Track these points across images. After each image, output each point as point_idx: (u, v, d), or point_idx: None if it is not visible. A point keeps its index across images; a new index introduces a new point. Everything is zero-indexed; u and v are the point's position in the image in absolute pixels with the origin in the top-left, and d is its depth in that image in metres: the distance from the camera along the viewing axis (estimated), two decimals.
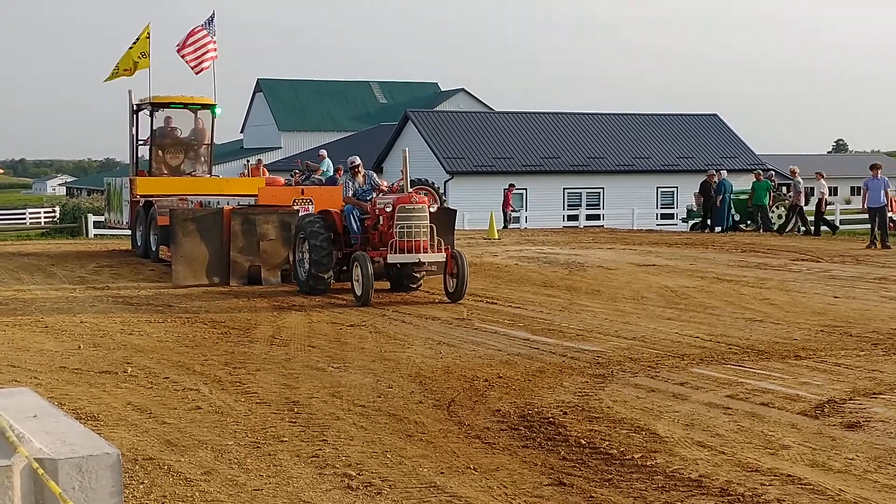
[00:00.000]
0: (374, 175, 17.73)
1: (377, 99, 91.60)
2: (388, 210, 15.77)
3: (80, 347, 12.13)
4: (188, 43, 24.88)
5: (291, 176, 27.83)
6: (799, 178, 32.70)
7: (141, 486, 6.73)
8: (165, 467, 7.18)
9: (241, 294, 17.12)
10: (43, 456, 4.43)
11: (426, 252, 15.61)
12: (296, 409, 8.90)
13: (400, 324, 13.95)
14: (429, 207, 16.04)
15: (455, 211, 21.19)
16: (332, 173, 27.94)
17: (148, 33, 24.71)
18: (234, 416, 8.72)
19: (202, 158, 25.23)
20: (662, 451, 7.51)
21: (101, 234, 36.35)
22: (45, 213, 58.98)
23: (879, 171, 27.17)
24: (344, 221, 16.80)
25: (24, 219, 59.60)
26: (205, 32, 25.04)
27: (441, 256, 15.80)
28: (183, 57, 24.93)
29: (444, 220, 18.19)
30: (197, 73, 25.22)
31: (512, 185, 43.11)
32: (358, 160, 17.62)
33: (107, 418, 8.64)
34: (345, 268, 16.56)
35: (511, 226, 40.49)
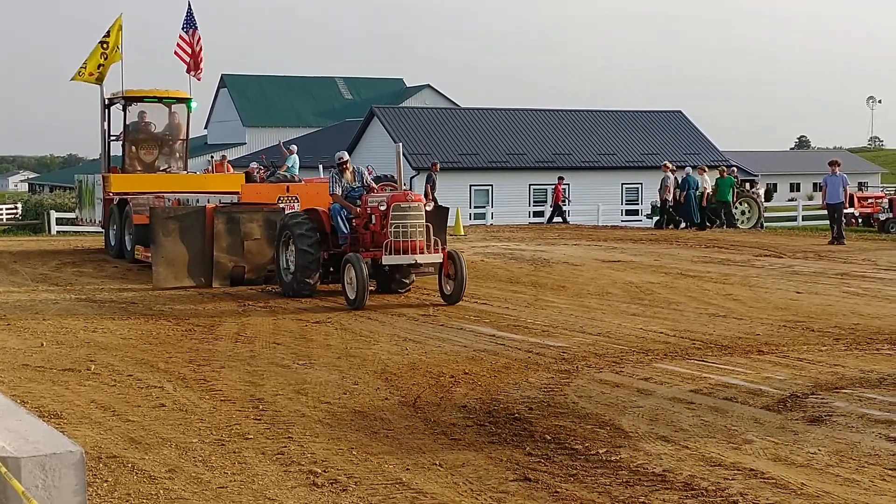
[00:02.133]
0: (365, 171, 16.92)
1: (342, 95, 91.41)
2: (382, 209, 15.04)
3: (42, 345, 12.03)
4: (182, 47, 24.21)
5: (256, 173, 27.34)
6: (669, 174, 33.21)
7: (105, 485, 6.69)
8: (129, 465, 7.14)
9: (206, 292, 17.03)
10: (6, 454, 4.40)
11: (422, 253, 14.91)
12: (261, 407, 8.87)
13: (366, 320, 13.92)
14: (425, 206, 15.43)
15: (447, 209, 20.58)
16: (297, 170, 27.80)
17: (120, 25, 23.89)
18: (199, 413, 8.68)
19: (177, 154, 24.30)
20: (627, 445, 7.54)
21: (63, 231, 36.16)
22: (6, 209, 58.25)
23: (838, 168, 27.42)
24: (332, 221, 16.02)
25: None
26: (193, 32, 24.33)
27: (438, 257, 15.07)
28: (180, 58, 24.23)
29: (437, 218, 17.39)
30: (199, 79, 24.73)
31: (561, 178, 42.69)
32: (346, 156, 16.75)
33: (70, 416, 8.58)
34: (331, 269, 15.95)
35: (556, 220, 40.18)
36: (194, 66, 24.28)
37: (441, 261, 15.08)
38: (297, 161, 28.51)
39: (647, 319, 13.79)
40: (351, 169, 16.45)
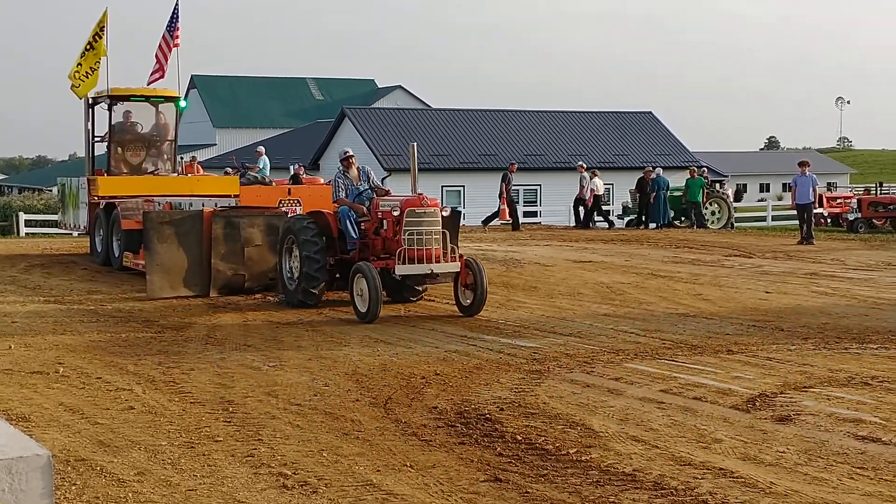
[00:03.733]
0: (371, 171, 15.65)
1: (314, 96, 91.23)
2: (396, 214, 13.88)
3: (10, 347, 11.93)
4: (162, 47, 23.20)
5: (225, 173, 27.06)
6: (585, 174, 33.77)
7: (73, 488, 6.65)
8: (98, 468, 7.10)
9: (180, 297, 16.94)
10: None
11: (439, 262, 13.77)
12: (230, 409, 8.84)
13: (336, 322, 13.91)
14: (441, 211, 14.28)
15: (460, 213, 19.97)
16: (268, 171, 27.66)
17: (105, 22, 22.28)
18: (168, 416, 8.64)
19: (165, 156, 23.03)
20: (597, 445, 7.56)
21: (32, 233, 35.92)
22: None
23: (807, 168, 27.66)
24: (339, 225, 14.75)
25: None
26: (164, 37, 23.28)
27: (455, 266, 13.90)
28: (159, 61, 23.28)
29: (449, 224, 15.42)
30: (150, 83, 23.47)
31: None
32: (351, 151, 15.52)
33: (38, 419, 8.52)
34: (337, 275, 15.00)
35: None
36: (160, 71, 23.37)
37: (458, 270, 13.98)
38: (268, 162, 28.37)
39: (618, 319, 13.84)
40: (356, 167, 15.38)
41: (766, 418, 8.36)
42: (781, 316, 14.07)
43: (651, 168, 35.41)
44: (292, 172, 28.00)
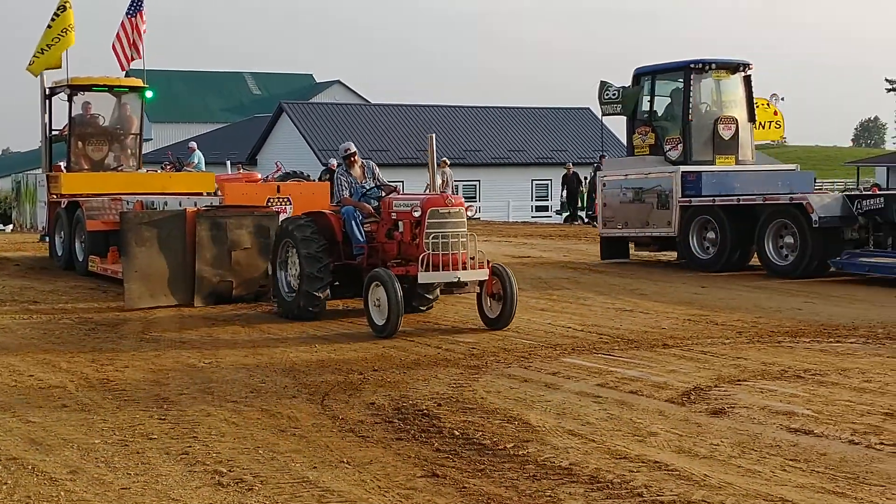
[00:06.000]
0: (376, 167, 14.47)
1: (251, 90, 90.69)
2: (417, 214, 12.50)
3: None
4: (119, 36, 21.96)
5: (161, 169, 26.67)
6: (446, 169, 34.23)
7: (4, 487, 6.55)
8: (30, 467, 7.00)
9: (111, 290, 16.76)
10: None
11: (465, 269, 12.43)
12: (165, 406, 8.76)
13: (273, 317, 13.85)
14: (467, 211, 13.08)
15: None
16: (203, 167, 27.37)
17: (67, 3, 20.99)
18: (102, 413, 8.53)
19: (129, 150, 21.50)
20: (534, 440, 7.58)
21: None
22: None
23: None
24: (344, 228, 13.42)
25: None
26: (130, 19, 21.98)
27: (483, 274, 12.56)
28: (114, 50, 22.00)
29: None
30: (122, 69, 22.33)
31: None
32: (353, 147, 14.26)
33: None
34: (336, 283, 13.61)
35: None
36: (130, 53, 21.95)
37: (486, 278, 12.64)
38: (202, 157, 28.00)
39: (556, 314, 13.92)
40: (360, 163, 14.16)
41: (700, 411, 8.43)
42: (716, 310, 14.22)
43: (571, 164, 35.49)
44: (279, 171, 27.80)
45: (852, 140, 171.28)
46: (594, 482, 6.58)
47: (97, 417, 8.40)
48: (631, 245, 21.75)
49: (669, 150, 20.42)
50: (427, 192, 13.06)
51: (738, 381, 9.60)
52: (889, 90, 55.42)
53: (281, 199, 16.95)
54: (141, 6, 22.19)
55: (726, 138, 20.40)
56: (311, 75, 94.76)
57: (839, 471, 6.79)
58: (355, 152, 14.07)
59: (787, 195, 18.53)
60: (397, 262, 12.80)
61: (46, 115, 21.05)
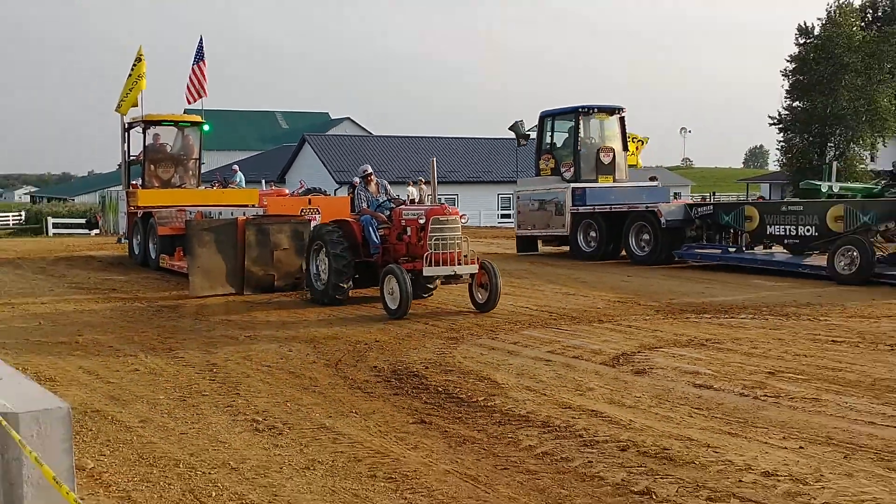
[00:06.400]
0: (388, 185, 14.26)
1: (280, 125, 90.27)
2: (422, 222, 12.54)
3: (40, 323, 11.69)
4: (190, 78, 22.18)
5: (211, 186, 26.58)
6: (423, 186, 34.53)
7: (90, 433, 6.54)
8: (110, 417, 6.99)
9: (173, 281, 16.71)
10: (6, 411, 4.29)
11: (460, 264, 12.42)
12: (214, 370, 8.75)
13: (300, 302, 13.82)
14: (461, 219, 13.00)
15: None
16: (244, 184, 27.29)
17: (141, 55, 21.02)
18: (165, 375, 8.52)
19: (190, 172, 21.29)
20: (500, 394, 7.60)
21: (58, 233, 35.23)
22: (13, 216, 56.65)
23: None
24: (363, 232, 13.35)
25: None
26: (198, 64, 22.15)
27: (474, 268, 12.51)
28: (187, 89, 22.21)
29: None
30: (189, 103, 22.60)
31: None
32: (370, 168, 13.98)
33: (62, 380, 8.36)
34: (357, 275, 13.38)
35: None
36: (199, 91, 22.13)
37: (476, 271, 12.59)
38: (243, 177, 27.98)
39: (516, 298, 13.91)
40: (375, 181, 13.92)
41: (626, 371, 8.47)
42: (638, 294, 14.26)
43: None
44: (302, 188, 27.79)
45: (743, 162, 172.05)
46: (545, 426, 6.61)
47: (161, 378, 8.39)
48: (539, 242, 22.65)
49: (565, 171, 21.47)
50: (429, 203, 13.01)
51: (656, 348, 9.65)
52: (771, 124, 55.63)
53: (311, 210, 16.90)
54: (202, 55, 22.19)
55: (606, 163, 21.46)
56: (328, 113, 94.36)
57: (732, 416, 6.83)
58: (371, 173, 13.90)
59: (644, 204, 19.58)
60: (406, 259, 12.75)
61: (125, 144, 20.91)
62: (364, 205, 13.58)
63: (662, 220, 18.50)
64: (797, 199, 22.20)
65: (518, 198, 22.67)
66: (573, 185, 20.88)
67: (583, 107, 21.38)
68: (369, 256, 13.31)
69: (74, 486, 4.45)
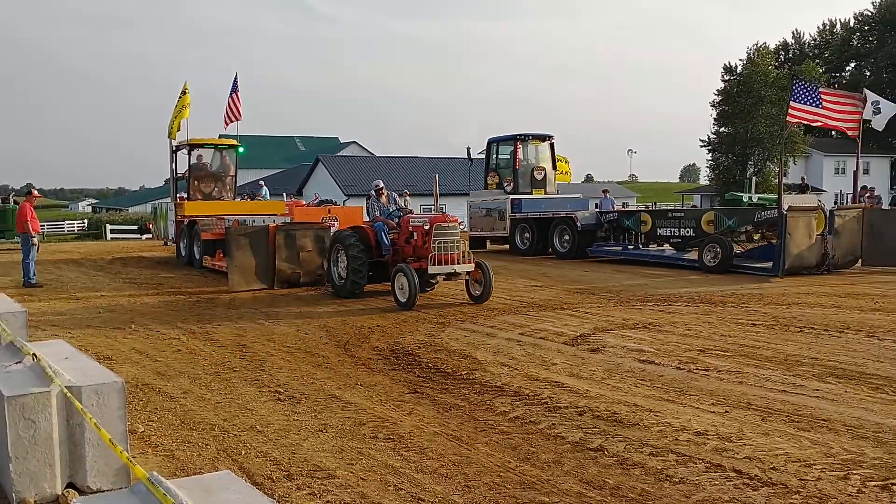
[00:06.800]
0: (397, 196, 14.11)
1: (299, 147, 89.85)
2: (426, 228, 12.35)
3: (100, 312, 11.61)
4: (229, 106, 21.84)
5: (242, 198, 26.44)
6: (407, 197, 34.09)
7: (140, 402, 6.50)
8: (157, 389, 6.95)
9: (211, 277, 16.62)
10: (71, 384, 4.28)
11: (460, 263, 12.17)
12: (244, 350, 8.71)
13: (316, 295, 13.77)
14: (459, 224, 12.63)
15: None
16: (268, 197, 27.16)
17: (186, 90, 20.85)
18: (203, 355, 8.48)
19: (228, 186, 20.91)
20: (479, 369, 7.60)
21: (114, 237, 35.10)
22: (77, 223, 56.64)
23: (608, 194, 28.12)
24: (376, 236, 13.15)
25: (63, 227, 57.17)
26: (234, 95, 21.81)
27: (471, 266, 12.27)
28: (225, 113, 21.84)
29: None
30: (226, 126, 22.24)
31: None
32: (381, 183, 13.78)
33: (117, 358, 8.31)
34: (370, 273, 13.12)
35: None
36: (236, 116, 21.79)
37: (472, 269, 12.35)
38: (267, 191, 27.87)
39: (494, 290, 13.83)
40: (385, 194, 13.76)
41: (584, 349, 8.48)
42: (594, 286, 14.29)
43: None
44: (316, 199, 27.72)
45: (679, 177, 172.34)
46: (517, 395, 6.61)
47: (200, 357, 8.35)
48: (487, 241, 23.59)
49: (506, 186, 22.38)
50: (433, 212, 13.25)
51: (608, 330, 9.67)
52: (702, 146, 55.89)
53: (331, 218, 16.88)
54: (237, 87, 22.16)
55: (539, 179, 22.40)
56: (337, 137, 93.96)
57: (670, 386, 6.85)
58: (383, 187, 13.75)
59: (565, 212, 20.53)
60: (413, 259, 12.58)
61: (173, 164, 20.84)
62: (377, 213, 13.42)
63: (578, 224, 19.70)
64: (680, 208, 24.19)
65: (470, 206, 23.82)
66: (512, 196, 21.82)
67: (521, 134, 22.38)
68: (381, 257, 13.14)
69: (128, 447, 4.43)
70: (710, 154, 54.86)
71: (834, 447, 5.20)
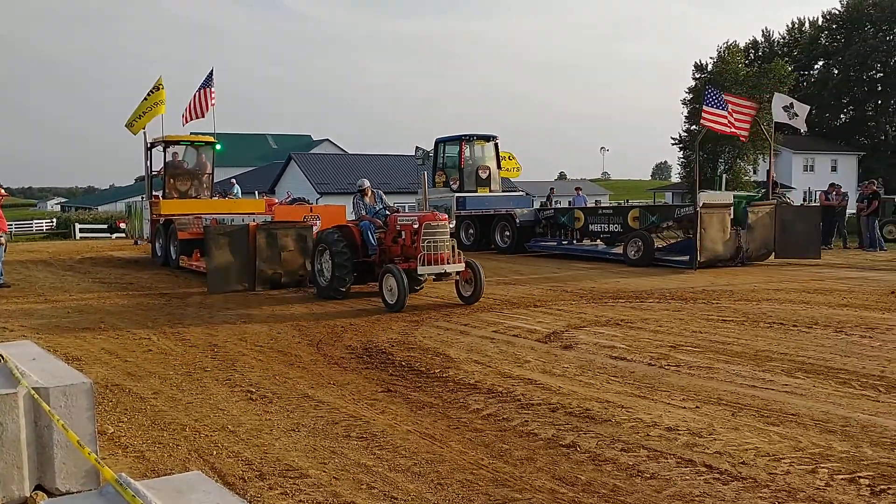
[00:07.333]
0: (383, 195, 13.64)
1: (271, 145, 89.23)
2: (415, 227, 12.03)
3: (69, 313, 11.44)
4: (197, 100, 20.85)
5: (213, 196, 26.02)
6: (382, 194, 34.10)
7: (110, 403, 6.43)
8: (127, 390, 6.87)
9: (183, 277, 16.46)
10: (38, 385, 4.22)
11: (449, 263, 11.84)
12: (215, 349, 8.64)
13: (285, 292, 13.70)
14: (448, 224, 12.27)
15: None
16: (240, 195, 26.94)
17: (160, 85, 20.04)
18: (174, 355, 8.40)
19: (204, 185, 20.38)
20: (453, 367, 7.61)
21: (84, 237, 34.62)
22: (46, 223, 55.89)
23: (580, 191, 28.41)
24: (362, 236, 12.79)
25: (32, 226, 56.35)
26: (204, 90, 20.78)
27: (461, 266, 11.91)
28: (188, 109, 20.87)
29: None
30: (184, 123, 21.19)
31: None
32: (367, 183, 13.41)
33: (87, 359, 8.20)
34: (356, 274, 12.77)
35: None
36: (199, 113, 20.75)
37: (462, 269, 12.00)
38: (239, 189, 27.61)
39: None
40: (370, 193, 13.40)
41: (556, 346, 8.51)
42: (567, 283, 14.36)
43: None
44: (289, 198, 27.56)
45: (651, 175, 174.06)
46: (490, 393, 6.63)
47: (171, 357, 8.27)
48: None
49: (453, 184, 22.65)
50: (422, 210, 12.89)
51: (580, 327, 9.72)
52: (673, 144, 56.44)
53: (313, 217, 16.27)
54: (212, 81, 21.49)
55: (483, 178, 22.80)
56: (310, 135, 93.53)
57: (642, 382, 6.91)
58: (368, 186, 13.33)
59: (505, 209, 21.46)
60: (401, 259, 12.27)
61: (148, 161, 20.23)
62: (363, 212, 13.11)
63: (517, 220, 20.73)
64: (609, 205, 25.05)
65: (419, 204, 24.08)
66: (458, 194, 22.21)
67: (466, 135, 22.74)
68: (367, 257, 12.80)
69: (97, 449, 4.38)
70: (682, 152, 55.39)
71: (802, 441, 5.28)
